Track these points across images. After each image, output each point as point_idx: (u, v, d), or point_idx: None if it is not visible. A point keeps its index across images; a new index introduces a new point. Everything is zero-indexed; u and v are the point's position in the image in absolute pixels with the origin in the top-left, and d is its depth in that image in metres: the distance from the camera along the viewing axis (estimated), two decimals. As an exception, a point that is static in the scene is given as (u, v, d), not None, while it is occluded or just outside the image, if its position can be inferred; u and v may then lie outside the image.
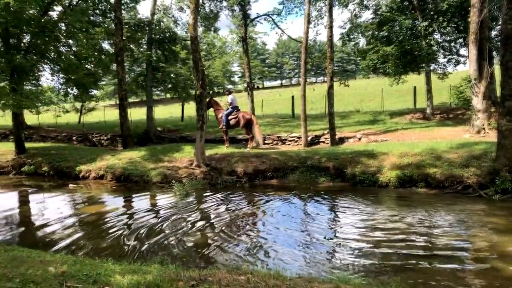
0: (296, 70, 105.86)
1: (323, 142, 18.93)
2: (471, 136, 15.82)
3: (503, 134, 10.11)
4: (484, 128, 16.09)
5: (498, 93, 15.40)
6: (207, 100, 16.88)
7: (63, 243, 7.64)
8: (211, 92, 30.56)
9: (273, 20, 22.89)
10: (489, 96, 16.86)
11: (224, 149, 16.52)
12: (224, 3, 24.83)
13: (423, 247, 6.75)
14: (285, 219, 8.91)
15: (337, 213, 9.64)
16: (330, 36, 17.91)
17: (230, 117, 17.25)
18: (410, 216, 8.56)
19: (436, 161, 11.37)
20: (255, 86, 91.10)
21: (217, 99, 23.91)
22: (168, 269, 4.85)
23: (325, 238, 7.54)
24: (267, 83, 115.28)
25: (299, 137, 19.18)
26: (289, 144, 19.64)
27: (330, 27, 17.80)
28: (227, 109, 17.53)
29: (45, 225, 9.03)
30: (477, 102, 16.35)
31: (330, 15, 17.84)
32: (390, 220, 8.37)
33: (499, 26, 13.36)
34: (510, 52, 9.91)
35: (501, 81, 10.27)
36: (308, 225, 8.48)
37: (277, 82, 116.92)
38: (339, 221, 8.90)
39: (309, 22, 18.82)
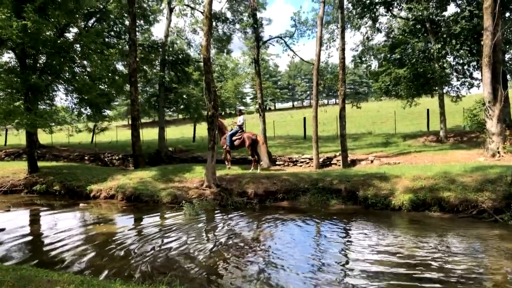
0: (308, 92, 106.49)
1: (335, 164, 18.81)
2: (486, 159, 15.59)
3: (519, 158, 9.94)
4: (499, 152, 15.86)
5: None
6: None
7: (71, 263, 7.59)
8: (222, 113, 30.70)
9: (285, 42, 23.02)
10: (504, 120, 16.67)
11: (235, 169, 16.47)
12: (237, 26, 25.11)
13: (437, 273, 6.56)
14: (296, 243, 8.77)
15: (349, 237, 9.47)
16: (342, 59, 17.95)
17: (234, 138, 17.19)
18: (424, 241, 8.38)
19: (450, 184, 11.18)
20: (267, 108, 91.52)
21: (229, 119, 24.03)
22: (176, 291, 4.76)
23: (336, 263, 7.39)
24: (279, 105, 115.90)
25: (310, 159, 19.08)
26: (300, 166, 19.55)
27: (342, 50, 17.86)
28: (231, 129, 17.52)
29: (54, 244, 8.98)
30: (492, 125, 16.17)
31: (342, 38, 17.92)
32: (404, 245, 8.19)
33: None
34: (525, 75, 9.81)
35: (516, 104, 10.16)
36: (319, 250, 8.33)
37: (289, 104, 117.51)
38: (351, 245, 8.72)
39: (321, 44, 18.94)
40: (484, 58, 16.15)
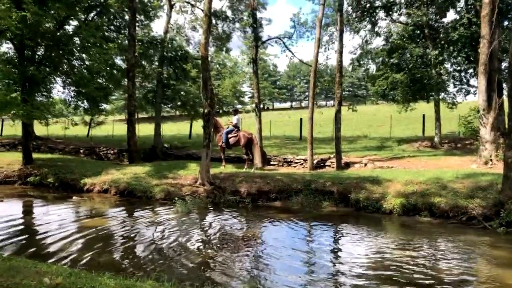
0: (307, 93, 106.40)
1: (329, 166, 18.86)
2: (478, 166, 15.69)
3: (509, 166, 10.03)
4: (491, 159, 15.95)
5: (507, 124, 15.35)
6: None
7: (61, 255, 7.63)
8: (220, 111, 30.70)
9: (284, 43, 23.06)
10: (498, 128, 16.76)
11: (229, 168, 16.54)
12: (237, 25, 25.15)
13: (425, 278, 6.64)
14: (286, 243, 8.83)
15: (339, 240, 9.56)
16: (340, 61, 18.02)
17: (230, 135, 17.25)
18: (414, 246, 8.47)
19: (441, 190, 11.26)
20: (265, 107, 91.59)
21: (225, 118, 24.06)
22: (163, 286, 4.82)
23: (326, 265, 7.47)
24: (278, 105, 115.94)
25: (305, 160, 19.14)
26: (295, 166, 19.60)
27: (340, 53, 17.92)
28: (228, 127, 17.60)
29: (45, 236, 9.03)
30: (485, 133, 16.25)
31: (341, 41, 17.98)
32: (393, 249, 8.27)
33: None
34: (518, 84, 9.90)
35: (508, 113, 10.26)
36: (309, 251, 8.42)
37: (287, 104, 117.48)
38: (341, 248, 8.81)
39: (319, 46, 18.99)
40: (480, 66, 16.22)
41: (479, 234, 9.40)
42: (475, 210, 10.30)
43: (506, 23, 21.28)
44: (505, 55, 20.72)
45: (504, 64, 21.51)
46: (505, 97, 16.35)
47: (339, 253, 8.29)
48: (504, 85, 20.66)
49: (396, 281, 6.48)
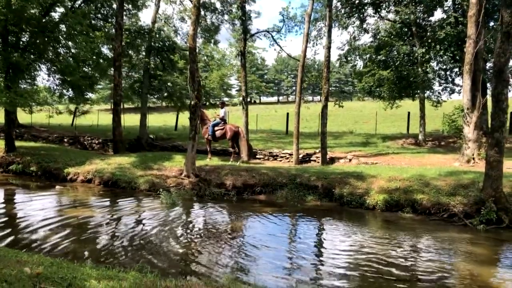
0: (294, 88, 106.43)
1: (314, 160, 18.97)
2: (461, 164, 15.91)
3: (491, 165, 10.19)
4: (474, 158, 16.19)
5: (490, 124, 15.55)
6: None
7: (42, 244, 7.56)
8: (206, 103, 30.61)
9: (272, 37, 23.02)
10: (481, 127, 16.98)
11: (215, 161, 16.53)
12: (226, 17, 25.05)
13: (406, 273, 6.73)
14: (270, 237, 8.87)
15: (322, 234, 9.63)
16: (328, 57, 18.07)
17: (216, 128, 17.23)
18: (395, 242, 8.56)
19: (424, 187, 11.41)
20: (252, 101, 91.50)
21: (212, 110, 24.01)
22: (146, 277, 4.81)
23: (308, 258, 7.51)
24: (265, 99, 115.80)
25: (290, 154, 19.22)
26: (280, 160, 19.67)
27: (328, 48, 17.96)
28: (214, 119, 17.57)
29: (27, 226, 8.93)
30: (469, 132, 16.46)
31: (329, 36, 18.02)
32: (375, 244, 8.35)
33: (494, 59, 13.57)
34: (502, 84, 10.07)
35: (492, 113, 10.41)
36: (292, 244, 8.47)
37: (274, 98, 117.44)
38: (323, 242, 8.89)
39: (307, 41, 19.01)
40: (465, 65, 16.40)
41: (459, 231, 9.55)
42: (457, 208, 10.46)
43: (492, 23, 21.53)
44: (490, 55, 21.01)
45: (489, 64, 21.83)
46: (489, 97, 16.54)
47: (321, 248, 8.35)
48: (488, 85, 20.97)
49: (376, 277, 6.56)
